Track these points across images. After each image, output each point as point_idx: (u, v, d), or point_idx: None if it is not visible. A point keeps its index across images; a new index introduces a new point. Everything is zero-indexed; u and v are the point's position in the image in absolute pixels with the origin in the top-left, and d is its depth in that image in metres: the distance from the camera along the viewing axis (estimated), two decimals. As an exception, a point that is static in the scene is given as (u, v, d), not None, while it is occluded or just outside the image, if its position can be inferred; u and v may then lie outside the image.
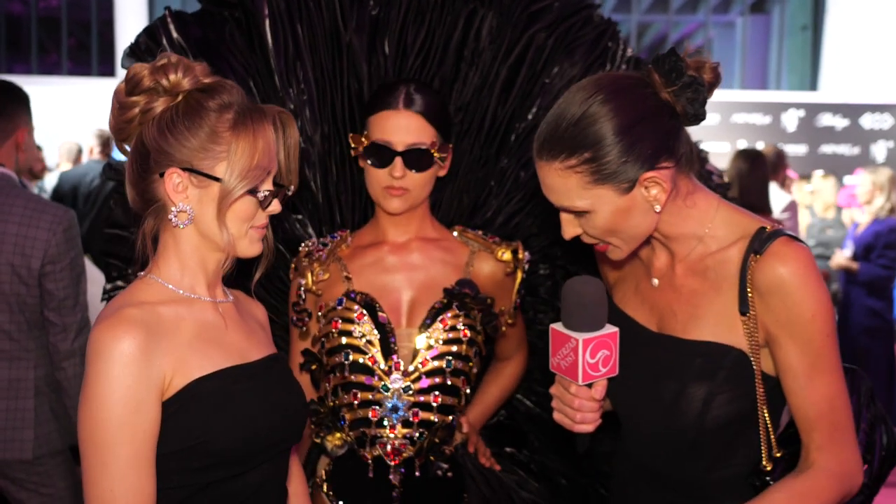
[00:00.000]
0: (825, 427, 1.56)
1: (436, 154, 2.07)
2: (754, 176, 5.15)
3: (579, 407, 1.61)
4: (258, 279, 1.69)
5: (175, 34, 2.27)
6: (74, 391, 2.85)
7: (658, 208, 1.58)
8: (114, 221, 2.35)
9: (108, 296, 2.38)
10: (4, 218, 2.83)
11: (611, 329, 1.58)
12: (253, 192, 1.54)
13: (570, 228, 1.65)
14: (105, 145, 7.14)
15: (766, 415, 1.61)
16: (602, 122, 1.52)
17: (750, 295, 1.57)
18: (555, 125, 1.57)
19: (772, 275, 1.54)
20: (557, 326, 1.60)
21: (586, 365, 1.56)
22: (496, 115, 2.37)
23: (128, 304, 1.50)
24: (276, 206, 1.60)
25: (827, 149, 10.41)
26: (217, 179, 1.51)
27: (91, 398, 1.42)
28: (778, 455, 1.62)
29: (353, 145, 2.13)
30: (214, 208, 1.52)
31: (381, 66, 2.31)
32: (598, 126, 1.52)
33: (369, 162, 2.08)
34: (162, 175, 1.52)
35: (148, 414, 1.44)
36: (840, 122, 10.47)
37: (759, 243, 1.57)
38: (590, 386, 1.60)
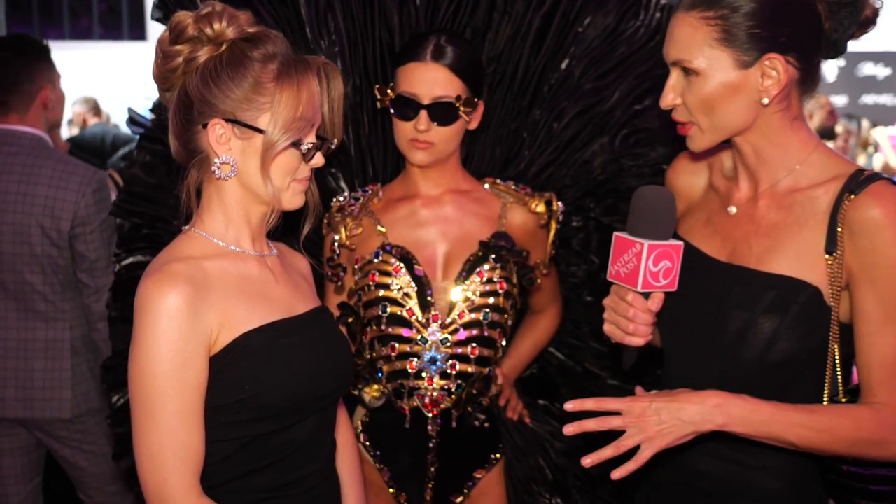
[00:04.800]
0: (885, 376, 1.54)
1: (461, 108, 2.05)
2: None
3: (633, 317, 1.59)
4: (307, 233, 1.67)
5: (205, -15, 2.24)
6: (109, 351, 2.86)
7: (766, 101, 1.56)
8: (131, 178, 2.29)
9: (116, 259, 2.29)
10: (34, 180, 2.82)
11: (676, 242, 1.57)
12: (296, 144, 1.53)
13: (670, 94, 1.62)
14: (95, 108, 6.73)
15: (837, 355, 1.59)
16: None
17: (840, 235, 1.54)
18: None
19: (866, 214, 1.52)
20: (621, 234, 1.58)
21: (648, 272, 1.54)
22: (528, 66, 2.33)
23: (173, 259, 1.50)
24: (319, 159, 1.59)
25: (868, 99, 10.14)
26: (260, 131, 1.50)
27: (139, 354, 1.43)
28: (843, 400, 1.60)
29: (378, 97, 2.12)
30: (257, 160, 1.51)
31: (412, 16, 2.28)
32: None
33: (395, 114, 2.08)
34: (205, 126, 1.51)
35: (195, 368, 1.45)
36: (882, 72, 10.18)
37: (857, 184, 1.55)
38: (646, 297, 1.59)
